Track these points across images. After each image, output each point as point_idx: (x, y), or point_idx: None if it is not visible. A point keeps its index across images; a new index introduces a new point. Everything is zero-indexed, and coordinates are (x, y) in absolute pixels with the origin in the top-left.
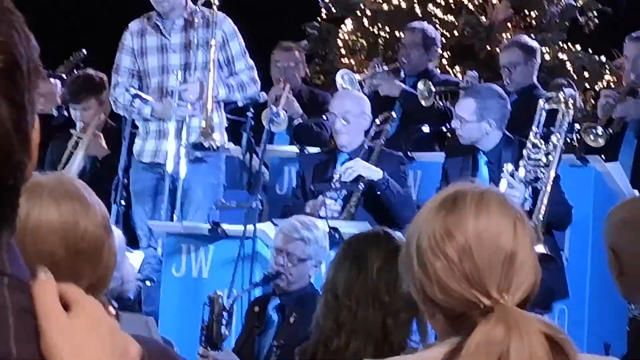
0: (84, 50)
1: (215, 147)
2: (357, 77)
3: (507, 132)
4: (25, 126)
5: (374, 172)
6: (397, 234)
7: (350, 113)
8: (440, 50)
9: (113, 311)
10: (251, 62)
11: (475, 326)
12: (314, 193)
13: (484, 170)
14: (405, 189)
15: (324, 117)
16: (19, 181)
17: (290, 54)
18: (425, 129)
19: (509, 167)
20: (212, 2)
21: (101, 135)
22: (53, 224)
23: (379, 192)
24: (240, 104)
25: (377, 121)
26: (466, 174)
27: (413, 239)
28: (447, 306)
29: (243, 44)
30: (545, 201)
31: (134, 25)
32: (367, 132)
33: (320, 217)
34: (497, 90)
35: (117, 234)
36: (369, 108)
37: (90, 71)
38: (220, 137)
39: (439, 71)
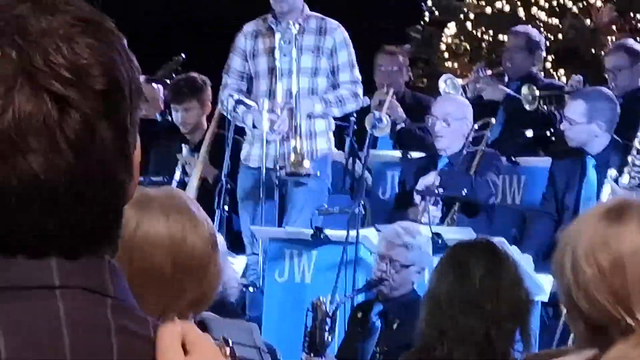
0: (183, 55)
1: (305, 174)
2: (460, 81)
3: (615, 136)
4: (127, 148)
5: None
6: (500, 243)
7: (451, 116)
8: (544, 54)
9: (228, 350)
10: (357, 75)
11: (614, 342)
12: (415, 198)
13: (591, 174)
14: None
15: (426, 121)
16: (121, 202)
17: (393, 58)
18: (529, 133)
19: (612, 172)
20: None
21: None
22: (161, 237)
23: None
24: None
25: (476, 126)
26: (574, 178)
27: (570, 242)
28: (589, 315)
29: (353, 55)
30: None
31: (248, 26)
32: (467, 137)
33: (422, 223)
34: (608, 93)
35: (220, 240)
36: (470, 113)
37: (193, 73)
38: (327, 143)
39: (543, 75)
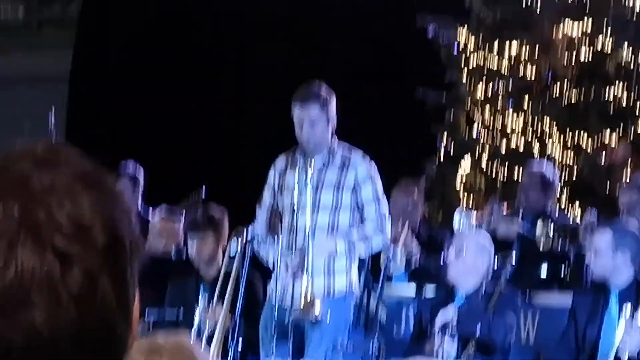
0: (205, 187)
1: (315, 320)
2: (474, 218)
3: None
4: (127, 301)
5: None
6: None
7: (469, 252)
8: (558, 190)
9: None
10: (384, 210)
11: None
12: (431, 333)
13: (614, 308)
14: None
15: (442, 256)
16: (120, 354)
17: (409, 194)
18: (544, 269)
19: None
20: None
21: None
22: None
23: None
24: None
25: (496, 262)
26: (595, 312)
27: None
28: None
29: (379, 189)
30: None
31: (279, 161)
32: (484, 273)
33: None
34: (634, 227)
35: None
36: (488, 249)
37: (212, 204)
38: (347, 283)
39: (557, 210)
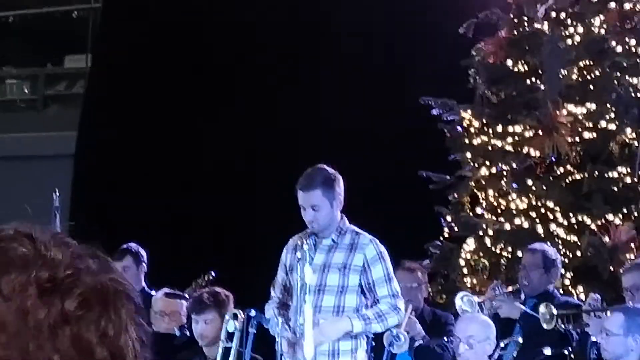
0: (213, 272)
1: None
2: (477, 299)
3: None
4: None
5: None
6: None
7: (474, 338)
8: (561, 271)
9: None
10: (396, 288)
11: None
12: None
13: None
14: None
15: (446, 338)
16: None
17: (413, 274)
18: (547, 351)
19: None
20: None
21: None
22: None
23: None
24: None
25: (502, 344)
26: None
27: None
28: None
29: (389, 268)
30: None
31: (292, 240)
32: (490, 356)
33: None
34: None
35: None
36: (494, 333)
37: (217, 288)
38: None
39: (560, 292)
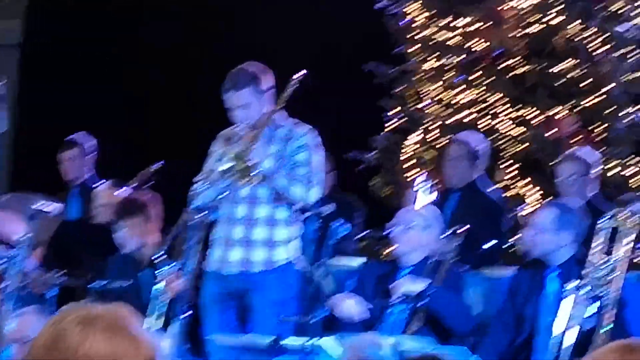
0: (161, 163)
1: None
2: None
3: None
4: None
5: (417, 285)
6: (463, 353)
7: (414, 225)
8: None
9: None
10: (319, 177)
11: None
12: (372, 312)
13: (553, 284)
14: (459, 300)
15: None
16: None
17: None
18: (486, 245)
19: (574, 284)
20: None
21: None
22: (101, 357)
23: (423, 304)
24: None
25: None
26: (533, 289)
27: None
28: None
29: (317, 158)
30: (606, 321)
31: (223, 132)
32: (430, 247)
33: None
34: (579, 204)
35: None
36: (437, 221)
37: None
38: (286, 252)
39: (503, 186)
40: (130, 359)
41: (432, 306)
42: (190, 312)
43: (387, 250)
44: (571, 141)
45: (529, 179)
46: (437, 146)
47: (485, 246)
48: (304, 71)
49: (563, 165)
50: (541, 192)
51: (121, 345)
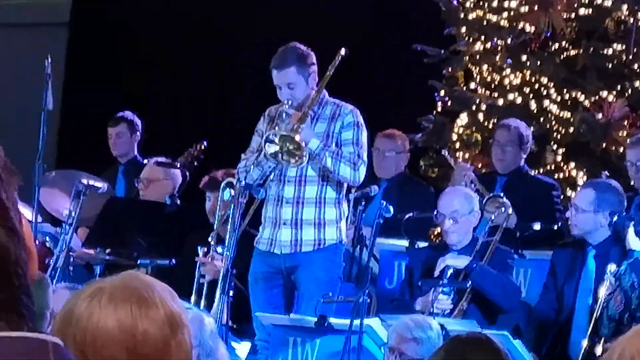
0: (205, 142)
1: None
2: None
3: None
4: (10, 222)
5: (460, 261)
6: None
7: (459, 212)
8: (553, 148)
9: None
10: (362, 154)
11: None
12: (421, 289)
13: (590, 264)
14: (507, 276)
15: (436, 218)
16: (23, 278)
17: (392, 141)
18: (537, 226)
19: (612, 267)
20: None
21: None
22: (110, 330)
23: (470, 280)
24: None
25: (492, 217)
26: (574, 268)
27: (615, 353)
28: None
29: (359, 136)
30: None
31: (269, 109)
32: (475, 228)
33: (431, 315)
34: (617, 186)
35: (209, 321)
36: (477, 204)
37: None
38: (335, 232)
39: (552, 168)
40: (142, 325)
41: (478, 282)
42: (234, 291)
43: (436, 232)
44: (620, 125)
45: (576, 162)
46: (486, 129)
47: (536, 227)
48: (345, 49)
49: (635, 148)
50: (587, 175)
51: (128, 312)
